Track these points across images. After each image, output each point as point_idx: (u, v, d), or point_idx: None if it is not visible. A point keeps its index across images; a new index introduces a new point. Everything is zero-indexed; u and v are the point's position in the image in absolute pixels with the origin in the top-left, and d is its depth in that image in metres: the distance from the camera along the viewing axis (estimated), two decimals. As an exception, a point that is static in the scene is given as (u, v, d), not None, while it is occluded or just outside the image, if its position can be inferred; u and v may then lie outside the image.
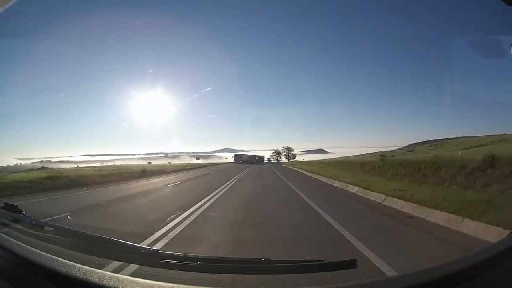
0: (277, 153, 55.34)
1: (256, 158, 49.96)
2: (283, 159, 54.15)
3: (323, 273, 1.17)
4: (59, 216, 5.70)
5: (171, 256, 1.29)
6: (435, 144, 47.85)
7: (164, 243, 3.94)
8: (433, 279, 0.93)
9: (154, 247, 1.35)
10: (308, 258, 1.21)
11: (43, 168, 20.25)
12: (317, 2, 19.89)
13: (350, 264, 1.12)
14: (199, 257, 1.25)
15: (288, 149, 54.14)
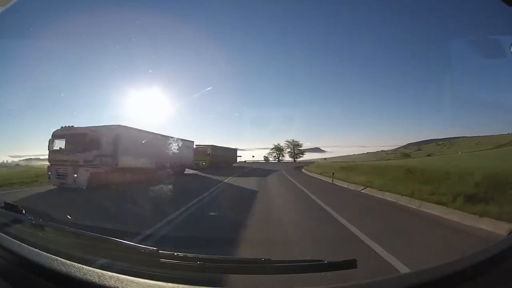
0: (278, 149, 39.28)
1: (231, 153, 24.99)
2: (287, 157, 39.07)
3: (323, 273, 1.17)
4: None
5: (171, 256, 1.29)
6: (442, 143, 46.80)
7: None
8: (433, 279, 0.93)
9: (154, 247, 1.35)
10: (308, 258, 1.21)
11: (15, 166, 20.14)
12: (317, 2, 19.87)
13: (350, 264, 1.12)
14: (199, 257, 1.25)
15: (294, 144, 38.30)
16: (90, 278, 1.06)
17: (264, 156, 40.17)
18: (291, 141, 39.25)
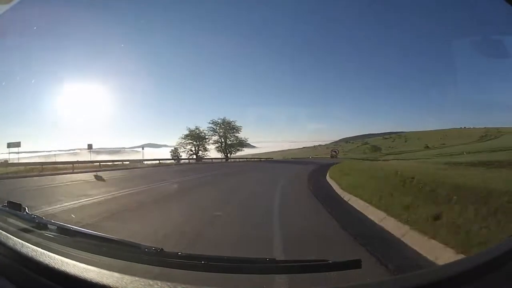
0: (197, 138, 23.34)
1: None
2: (213, 152, 23.50)
3: (327, 273, 1.17)
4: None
5: (175, 255, 1.29)
6: (390, 137, 46.47)
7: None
8: (439, 279, 0.94)
9: (158, 247, 1.35)
10: (313, 257, 1.21)
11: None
12: (318, 3, 19.77)
13: (355, 264, 1.12)
14: (203, 256, 1.25)
15: (228, 127, 22.68)
16: (94, 277, 1.06)
17: (172, 150, 23.06)
18: (219, 122, 23.30)
